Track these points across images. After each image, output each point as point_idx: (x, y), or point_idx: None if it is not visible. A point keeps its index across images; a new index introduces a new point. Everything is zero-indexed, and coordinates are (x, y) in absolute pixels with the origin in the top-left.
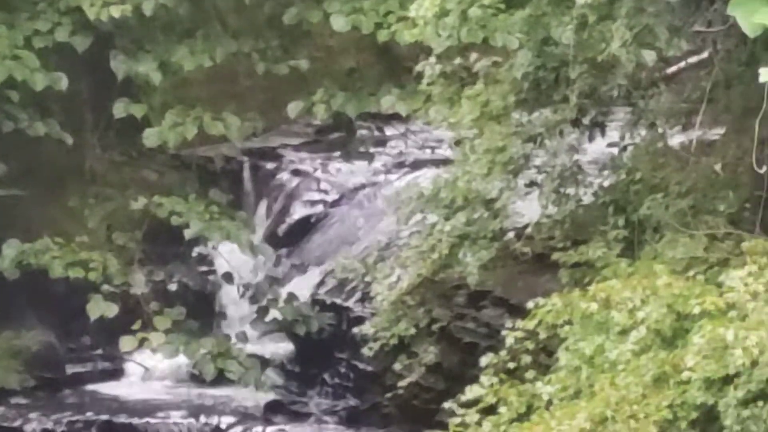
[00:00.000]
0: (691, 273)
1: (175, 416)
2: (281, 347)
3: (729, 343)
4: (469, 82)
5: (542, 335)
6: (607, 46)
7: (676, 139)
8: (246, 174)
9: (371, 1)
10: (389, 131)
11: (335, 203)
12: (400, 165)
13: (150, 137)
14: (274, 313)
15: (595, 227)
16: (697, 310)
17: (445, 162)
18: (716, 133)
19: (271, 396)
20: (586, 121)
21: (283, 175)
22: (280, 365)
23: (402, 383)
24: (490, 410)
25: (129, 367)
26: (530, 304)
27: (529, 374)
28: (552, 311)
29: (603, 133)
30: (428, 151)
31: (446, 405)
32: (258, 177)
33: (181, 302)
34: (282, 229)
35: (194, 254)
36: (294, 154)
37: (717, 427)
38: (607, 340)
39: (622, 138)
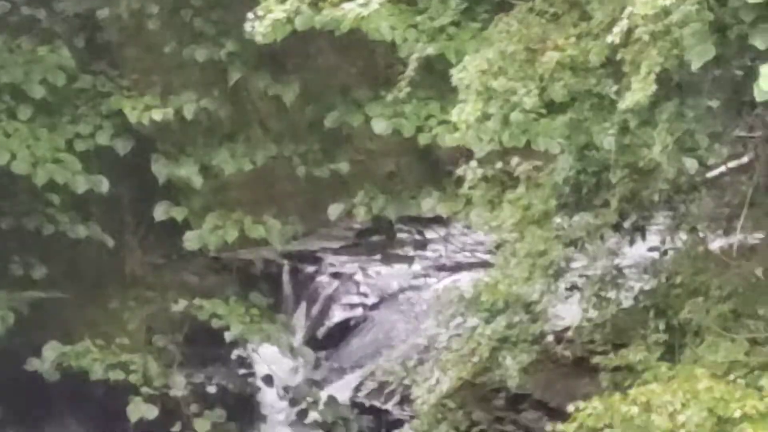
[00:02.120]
0: (731, 377)
1: None
2: None
3: None
4: (510, 186)
5: None
6: (648, 151)
7: (716, 244)
8: (285, 277)
9: (412, 105)
10: (429, 234)
11: (375, 306)
12: (440, 268)
13: (191, 240)
14: (313, 416)
15: (636, 331)
16: (737, 414)
17: (485, 265)
18: (757, 237)
19: None
20: (626, 225)
21: (323, 278)
22: None
23: None
24: None
25: None
26: (570, 408)
27: None
28: (592, 415)
29: (644, 237)
30: (468, 254)
31: None
32: (298, 280)
33: (221, 404)
34: (321, 331)
35: (234, 356)
36: (334, 258)
37: None
38: None
39: (663, 242)
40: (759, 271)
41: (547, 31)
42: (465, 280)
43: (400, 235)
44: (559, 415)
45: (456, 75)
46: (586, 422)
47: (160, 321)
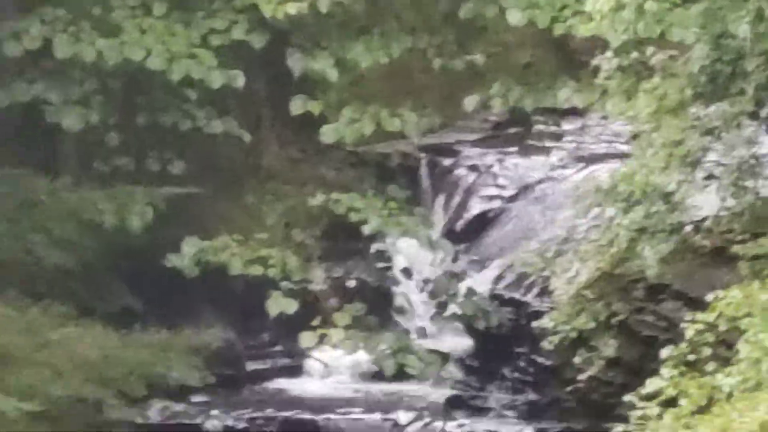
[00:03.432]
0: None
1: (356, 412)
2: (460, 342)
3: None
4: (645, 76)
5: (722, 327)
6: None
7: None
8: (423, 170)
9: None
10: (566, 126)
11: (513, 198)
12: (577, 159)
13: (327, 134)
14: (453, 308)
15: None
16: None
17: (622, 156)
18: None
19: (451, 391)
20: (763, 113)
21: (461, 171)
22: (459, 360)
23: (581, 377)
24: (671, 403)
25: (309, 363)
26: (710, 297)
27: (710, 367)
28: (732, 304)
29: None
30: (605, 145)
31: (626, 398)
32: (435, 173)
33: (360, 298)
34: (460, 224)
35: (372, 250)
36: (471, 150)
37: None
38: None
39: None
40: None
41: None
42: (602, 170)
43: (537, 127)
44: (698, 304)
45: None
46: (725, 311)
47: (298, 215)
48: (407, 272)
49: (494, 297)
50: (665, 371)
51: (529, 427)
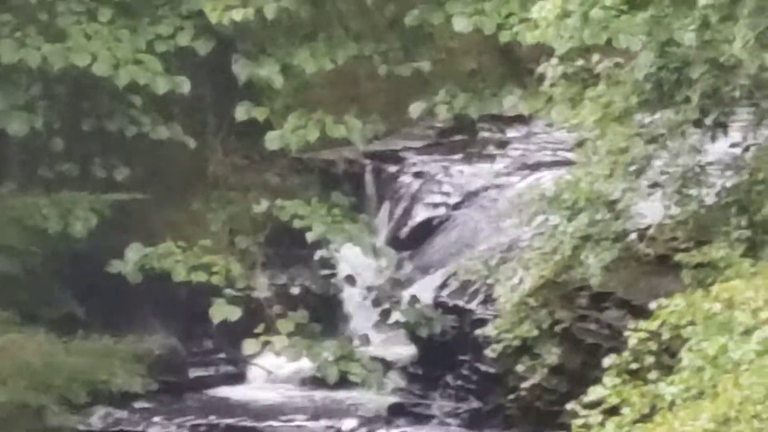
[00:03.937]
0: None
1: (298, 419)
2: (404, 350)
3: None
4: (591, 84)
5: (665, 336)
6: (729, 46)
7: None
8: (368, 177)
9: (493, 3)
10: (511, 133)
11: (457, 205)
12: (522, 167)
13: (272, 140)
14: (396, 316)
15: (718, 228)
16: None
17: (567, 163)
18: None
19: (393, 398)
20: (708, 121)
21: (405, 178)
22: (402, 368)
23: (524, 385)
24: (613, 411)
25: (252, 370)
26: (653, 305)
27: (652, 375)
28: (675, 312)
29: (725, 134)
30: (550, 152)
31: (569, 406)
32: (380, 180)
33: (304, 305)
34: (404, 231)
35: (316, 257)
36: (416, 157)
37: None
38: (730, 341)
39: (745, 138)
40: None
41: None
42: (547, 178)
43: (482, 134)
44: (641, 312)
45: None
46: (668, 320)
47: (243, 222)
48: (351, 279)
49: (438, 304)
50: (608, 380)
51: None
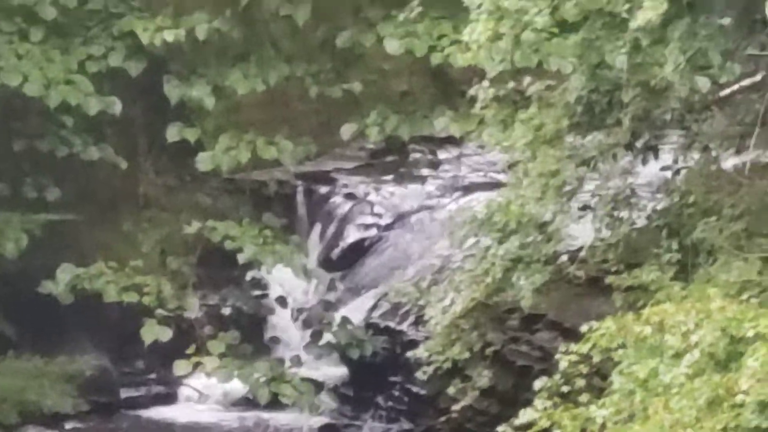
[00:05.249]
0: (744, 296)
1: None
2: (335, 371)
3: None
4: (522, 106)
5: (596, 359)
6: (660, 70)
7: (729, 162)
8: (299, 198)
9: (424, 25)
10: (442, 155)
11: (389, 227)
12: (453, 188)
13: (203, 161)
14: (327, 337)
15: (649, 250)
16: (751, 334)
17: (498, 185)
18: None
19: (325, 420)
20: (639, 144)
21: (337, 199)
22: (333, 389)
23: (456, 407)
24: None
25: (183, 391)
26: (584, 328)
27: (583, 398)
28: (606, 335)
29: (656, 157)
30: (481, 174)
31: (500, 429)
32: (311, 201)
33: (235, 326)
34: (335, 253)
35: (248, 278)
36: (347, 178)
37: None
38: (660, 364)
39: (676, 161)
40: None
41: None
42: (478, 200)
43: (413, 155)
44: (573, 335)
45: None
46: (599, 342)
47: (174, 243)
48: (282, 301)
49: (369, 326)
50: (539, 402)
51: None
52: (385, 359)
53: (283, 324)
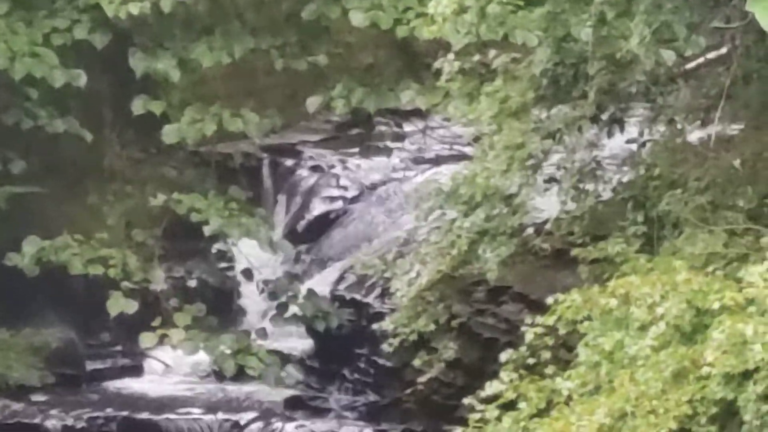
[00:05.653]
0: (710, 268)
1: (195, 412)
2: (301, 343)
3: (748, 339)
4: (488, 79)
5: (562, 331)
6: (625, 42)
7: (695, 135)
8: (265, 170)
9: None
10: (408, 127)
11: (354, 199)
12: (419, 161)
13: (169, 134)
14: (293, 309)
15: (614, 223)
16: (716, 306)
17: (463, 158)
18: (735, 128)
19: (290, 392)
20: (604, 117)
21: (302, 172)
22: (299, 361)
23: (421, 379)
24: (510, 406)
25: (149, 363)
26: (550, 300)
27: (549, 370)
28: (571, 307)
29: (622, 130)
30: (447, 147)
31: (466, 401)
32: (277, 173)
33: (201, 299)
34: (301, 225)
35: (214, 251)
36: (313, 151)
37: (736, 422)
38: (626, 336)
39: (641, 134)
40: (737, 162)
41: None
42: (444, 172)
43: (379, 128)
44: (539, 307)
45: None
46: (565, 314)
47: (139, 215)
48: (248, 273)
49: (335, 298)
50: (504, 374)
51: (368, 428)
52: (351, 331)
53: (249, 296)
